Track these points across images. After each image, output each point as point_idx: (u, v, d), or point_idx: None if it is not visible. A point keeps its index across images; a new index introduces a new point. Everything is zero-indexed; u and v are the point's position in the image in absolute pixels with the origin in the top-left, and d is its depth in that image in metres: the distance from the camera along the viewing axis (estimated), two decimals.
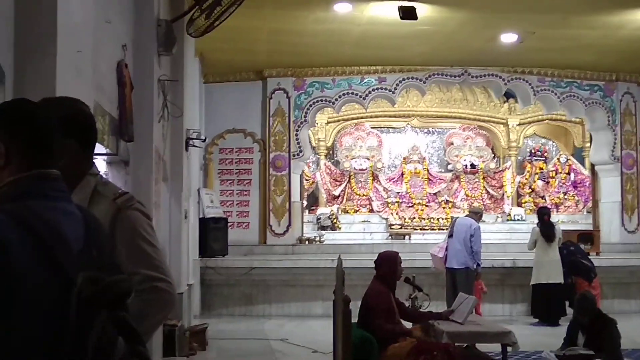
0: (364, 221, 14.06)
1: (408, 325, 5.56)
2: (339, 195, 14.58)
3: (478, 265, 8.89)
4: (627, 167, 12.34)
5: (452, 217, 11.93)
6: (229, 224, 10.98)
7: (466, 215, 9.58)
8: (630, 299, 10.33)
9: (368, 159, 14.79)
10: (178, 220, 6.87)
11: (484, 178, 15.02)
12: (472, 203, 12.19)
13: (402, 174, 14.87)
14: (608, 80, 12.28)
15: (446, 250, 8.99)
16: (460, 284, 8.61)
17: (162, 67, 5.72)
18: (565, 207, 14.80)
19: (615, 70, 12.08)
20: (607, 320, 5.72)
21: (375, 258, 5.51)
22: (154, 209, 5.18)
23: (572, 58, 11.36)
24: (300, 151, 11.96)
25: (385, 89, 11.89)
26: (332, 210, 13.82)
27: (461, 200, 14.66)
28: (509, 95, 13.71)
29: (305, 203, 13.43)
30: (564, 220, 13.49)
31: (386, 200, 14.52)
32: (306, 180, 13.90)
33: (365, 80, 11.88)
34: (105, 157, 3.82)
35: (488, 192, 14.98)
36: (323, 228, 13.30)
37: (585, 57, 11.26)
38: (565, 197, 14.88)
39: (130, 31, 4.83)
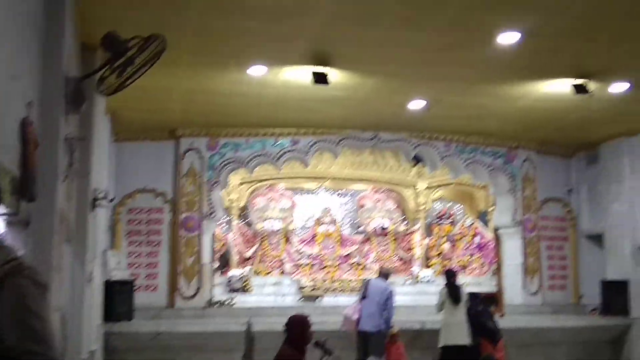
0: (276, 283, 13.93)
1: None
2: (251, 257, 14.43)
3: (388, 327, 8.95)
4: (528, 231, 12.89)
5: (363, 279, 12.00)
6: (136, 287, 10.64)
7: (378, 277, 9.66)
8: None
9: (281, 220, 14.77)
10: (81, 283, 6.59)
11: (394, 240, 15.27)
12: (383, 264, 12.33)
13: (315, 236, 14.91)
14: (510, 147, 12.91)
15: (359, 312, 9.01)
16: (372, 347, 8.63)
17: (69, 125, 5.56)
18: (471, 269, 15.21)
19: (517, 138, 12.73)
20: None
21: (286, 321, 5.44)
22: (55, 272, 4.94)
23: (476, 125, 11.90)
24: (213, 212, 11.82)
25: (299, 151, 12.02)
26: (243, 272, 13.62)
27: (372, 262, 14.81)
28: (417, 160, 14.13)
29: (216, 265, 13.20)
30: (470, 282, 13.84)
31: (298, 262, 14.48)
32: (218, 241, 13.69)
33: (279, 142, 11.98)
34: (4, 217, 3.63)
35: (397, 254, 15.22)
36: (234, 290, 13.07)
37: (489, 125, 11.82)
38: (471, 259, 15.32)
39: (37, 88, 4.69)
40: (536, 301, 12.68)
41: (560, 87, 9.11)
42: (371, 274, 13.08)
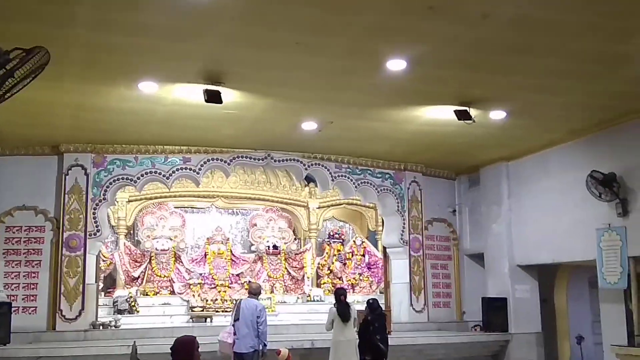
0: (165, 304, 13.61)
1: None
2: (139, 277, 14.03)
3: (264, 345, 8.97)
4: (414, 250, 13.33)
5: (234, 301, 11.84)
6: (13, 309, 10.08)
7: (249, 297, 9.62)
8: None
9: (170, 239, 14.48)
10: None
11: (285, 259, 15.33)
12: (250, 283, 12.04)
13: (205, 255, 14.72)
14: (397, 169, 13.34)
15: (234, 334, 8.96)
16: None
17: None
18: (360, 287, 15.51)
19: (404, 160, 13.17)
20: None
21: (172, 343, 5.32)
22: None
23: (366, 147, 12.22)
24: (98, 230, 11.41)
25: (190, 169, 11.85)
26: (130, 293, 13.21)
27: (263, 281, 14.79)
28: (309, 180, 14.32)
29: (101, 285, 12.72)
30: (359, 301, 14.10)
31: (188, 281, 14.22)
32: (103, 261, 13.23)
33: (169, 160, 11.77)
34: None
35: (289, 273, 15.29)
36: (120, 312, 12.63)
37: (378, 147, 12.17)
38: (361, 278, 15.63)
39: None
40: (422, 318, 13.09)
41: (445, 113, 9.53)
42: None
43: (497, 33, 6.88)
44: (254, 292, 9.62)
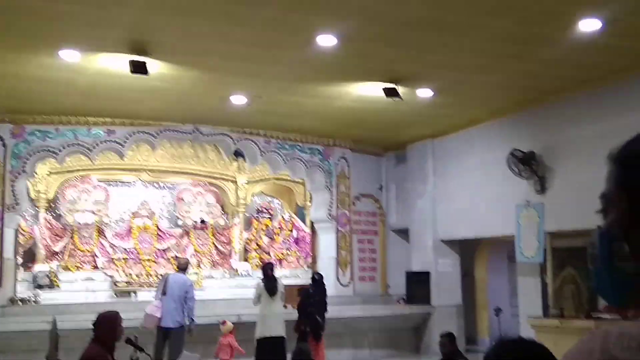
0: (87, 279, 13.30)
1: None
2: (60, 252, 13.64)
3: (192, 321, 8.93)
4: (342, 225, 13.49)
5: (160, 275, 11.73)
6: None
7: (177, 272, 9.55)
8: (343, 349, 11.12)
9: (94, 213, 14.10)
10: None
11: (213, 234, 15.21)
12: (178, 258, 11.86)
13: (130, 229, 14.42)
14: (326, 145, 13.41)
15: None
16: (174, 343, 8.57)
17: None
18: (288, 262, 15.59)
19: (333, 136, 13.26)
20: None
21: (94, 318, 5.23)
22: None
23: (295, 122, 12.22)
24: (17, 204, 11.01)
25: (115, 141, 11.55)
26: (51, 268, 12.84)
27: (190, 256, 14.65)
28: (238, 154, 14.20)
29: (20, 260, 12.31)
30: (287, 275, 14.19)
31: (112, 256, 13.93)
32: (22, 235, 12.77)
33: (93, 132, 11.43)
34: None
35: (217, 248, 15.20)
36: (40, 287, 12.27)
37: (307, 123, 12.19)
38: (289, 253, 15.70)
39: None
40: (348, 292, 13.30)
41: (374, 90, 9.62)
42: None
43: (423, 11, 6.98)
44: (182, 267, 9.53)
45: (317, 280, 10.51)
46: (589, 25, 7.31)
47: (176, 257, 12.97)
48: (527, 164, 10.27)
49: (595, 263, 0.84)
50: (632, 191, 0.79)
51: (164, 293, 9.01)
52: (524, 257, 10.60)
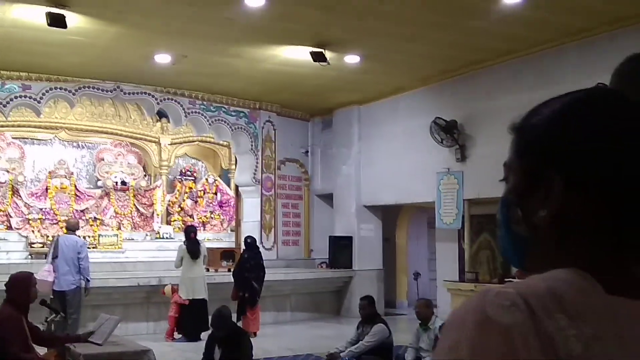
0: (1, 239, 12.82)
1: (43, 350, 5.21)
2: None
3: (87, 281, 8.79)
4: (267, 189, 13.47)
5: (51, 238, 11.44)
6: None
7: (66, 233, 9.35)
8: (265, 312, 11.20)
9: (8, 171, 13.54)
10: None
11: (134, 196, 14.91)
12: (68, 220, 11.39)
13: (47, 189, 13.95)
14: (252, 108, 13.28)
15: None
16: (72, 304, 8.44)
17: None
18: (211, 225, 15.49)
19: (259, 99, 13.13)
20: (241, 334, 6.11)
21: (7, 280, 5.06)
22: None
23: (221, 84, 12.01)
24: None
25: (30, 97, 11.05)
26: None
27: (110, 218, 14.34)
28: (161, 115, 13.90)
29: None
30: (210, 238, 14.12)
31: (27, 217, 13.46)
32: None
33: (6, 87, 10.88)
34: None
35: (138, 210, 14.92)
36: None
37: (233, 85, 12.01)
38: (212, 216, 15.59)
39: None
40: (271, 256, 13.33)
41: (301, 53, 9.56)
42: (108, 230, 12.67)
43: None
44: (72, 228, 9.31)
45: (250, 244, 10.46)
46: None
47: (66, 219, 12.43)
48: (449, 132, 10.50)
49: (499, 228, 0.87)
50: (525, 159, 0.83)
51: (55, 256, 8.76)
52: (443, 223, 10.90)
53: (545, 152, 0.81)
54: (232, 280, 10.13)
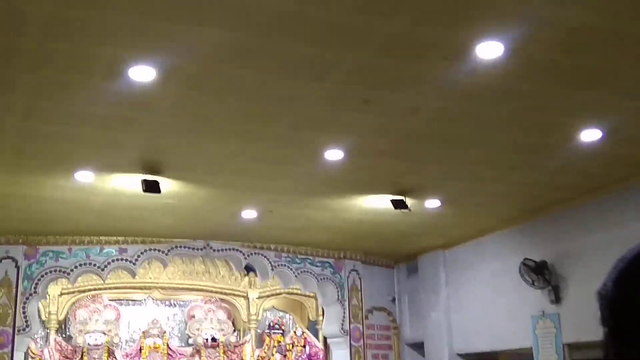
0: None
1: None
2: None
3: None
4: (355, 340, 13.20)
5: None
6: None
7: None
8: None
9: (104, 333, 13.91)
10: None
11: (224, 352, 14.89)
12: None
13: (141, 349, 14.16)
14: (337, 257, 13.38)
15: None
16: None
17: None
18: None
19: (343, 248, 13.25)
20: None
21: None
22: None
23: (305, 236, 12.27)
24: (27, 326, 10.93)
25: (126, 260, 11.61)
26: None
27: None
28: (249, 269, 14.18)
29: None
30: None
31: None
32: (32, 357, 12.57)
33: (104, 251, 11.51)
34: None
35: None
36: None
37: (317, 236, 12.23)
38: None
39: None
40: None
41: (382, 202, 9.73)
42: None
43: (426, 125, 7.19)
44: None
45: None
46: (590, 135, 7.48)
47: None
48: (540, 273, 10.17)
49: None
50: (612, 329, 0.82)
51: None
52: None
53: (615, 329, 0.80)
54: None
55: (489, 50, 5.55)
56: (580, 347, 9.73)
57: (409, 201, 9.57)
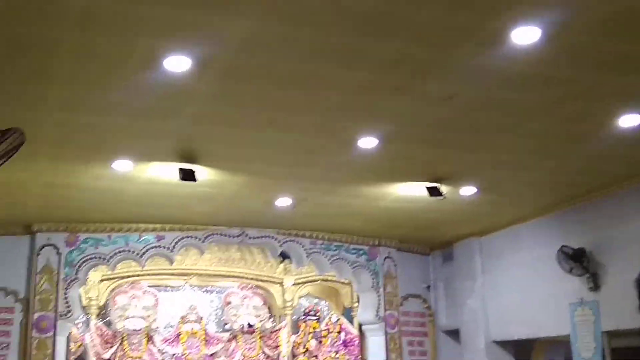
0: None
1: None
2: (110, 358, 13.65)
3: None
4: (390, 327, 13.22)
5: None
6: None
7: None
8: None
9: (143, 318, 14.18)
10: None
11: (260, 338, 15.06)
12: None
13: (179, 335, 14.41)
14: (372, 245, 13.38)
15: None
16: None
17: None
18: None
19: (378, 236, 13.25)
20: None
21: None
22: None
23: (340, 223, 12.30)
24: (69, 311, 11.20)
25: (164, 247, 11.80)
26: None
27: None
28: (284, 256, 14.27)
29: None
30: None
31: None
32: (74, 342, 12.90)
33: (143, 238, 11.72)
34: None
35: (264, 352, 15.00)
36: None
37: (352, 223, 12.25)
38: (337, 356, 15.35)
39: None
40: None
41: (417, 189, 9.70)
42: None
43: (462, 112, 7.13)
44: None
45: None
46: (629, 120, 7.33)
47: None
48: (578, 260, 10.03)
49: None
50: None
51: None
52: (581, 358, 10.15)
53: None
54: None
55: (526, 35, 5.46)
56: (619, 334, 9.61)
57: (444, 188, 9.52)
